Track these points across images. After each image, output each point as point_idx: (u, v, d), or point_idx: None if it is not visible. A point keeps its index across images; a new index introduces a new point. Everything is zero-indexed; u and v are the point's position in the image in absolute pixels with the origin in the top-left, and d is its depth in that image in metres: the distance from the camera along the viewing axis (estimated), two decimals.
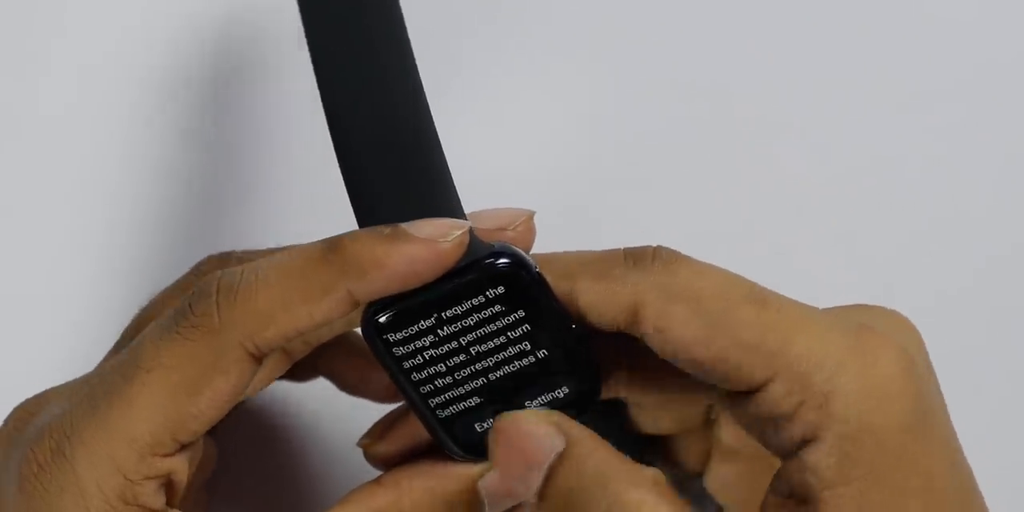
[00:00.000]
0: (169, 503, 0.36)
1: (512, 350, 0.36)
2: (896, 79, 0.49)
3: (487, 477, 0.37)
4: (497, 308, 0.36)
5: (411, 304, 0.35)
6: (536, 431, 0.36)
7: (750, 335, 0.34)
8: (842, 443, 0.33)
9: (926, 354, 0.36)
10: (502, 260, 0.35)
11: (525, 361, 0.36)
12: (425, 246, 0.34)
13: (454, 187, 0.36)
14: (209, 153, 0.47)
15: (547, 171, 0.48)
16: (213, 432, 0.43)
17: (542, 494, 0.35)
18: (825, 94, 0.49)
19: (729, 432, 0.40)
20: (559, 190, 0.48)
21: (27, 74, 0.47)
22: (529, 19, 0.48)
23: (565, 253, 0.37)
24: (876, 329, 0.34)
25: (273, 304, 0.34)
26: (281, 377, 0.44)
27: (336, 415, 0.47)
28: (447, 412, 0.36)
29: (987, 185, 0.49)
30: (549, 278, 0.36)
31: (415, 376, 0.36)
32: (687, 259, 0.35)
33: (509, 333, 0.36)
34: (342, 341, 0.42)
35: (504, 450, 0.36)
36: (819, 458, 0.33)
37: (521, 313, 0.36)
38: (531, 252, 0.37)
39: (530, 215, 0.38)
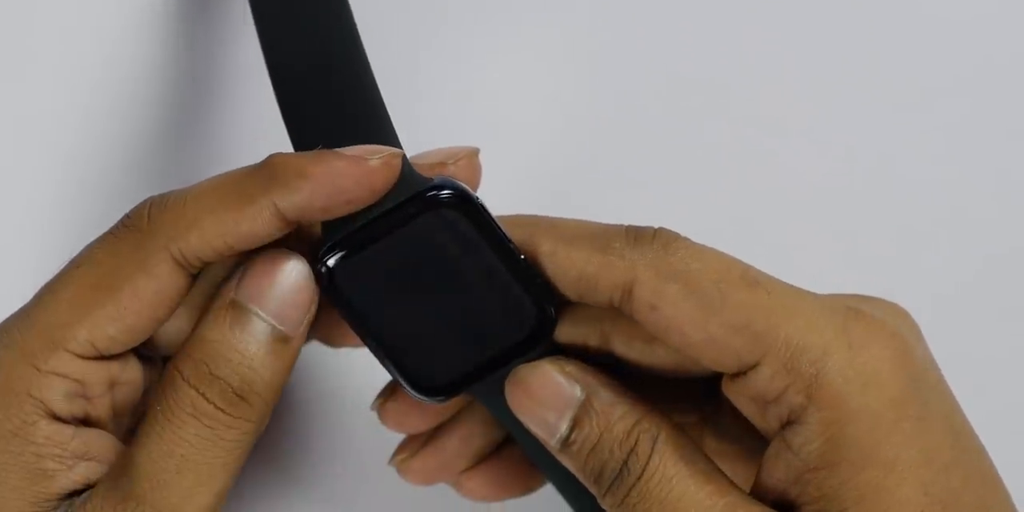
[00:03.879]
0: (88, 424, 0.36)
1: (462, 283, 0.36)
2: (896, 76, 0.49)
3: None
4: (441, 241, 0.36)
5: (353, 241, 0.36)
6: (554, 380, 0.36)
7: (740, 317, 0.34)
8: (827, 428, 0.33)
9: (924, 342, 0.36)
10: (444, 192, 0.36)
11: (476, 294, 0.36)
12: (351, 161, 0.35)
13: (390, 124, 0.37)
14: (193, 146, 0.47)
15: (545, 170, 0.48)
16: None
17: (567, 443, 0.36)
18: (824, 92, 0.49)
19: (717, 434, 0.40)
20: (556, 188, 0.48)
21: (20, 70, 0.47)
22: (525, 14, 0.49)
23: (570, 220, 0.37)
24: (868, 313, 0.35)
25: (199, 211, 0.35)
26: None
27: (332, 390, 0.47)
28: (407, 356, 0.37)
29: (988, 184, 0.49)
30: (548, 244, 0.36)
31: (369, 317, 0.36)
32: (686, 241, 0.36)
33: (457, 267, 0.36)
34: None
35: (523, 402, 0.36)
36: (803, 442, 0.34)
37: (468, 244, 0.36)
38: (533, 214, 0.37)
39: (472, 151, 0.39)
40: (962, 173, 0.49)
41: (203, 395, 0.35)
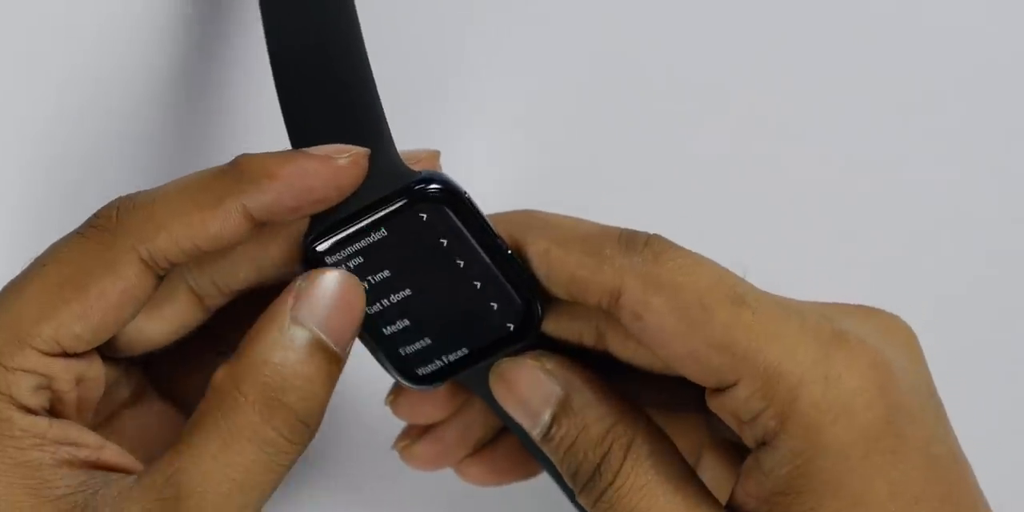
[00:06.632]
0: (56, 415, 0.36)
1: (449, 276, 0.36)
2: (897, 79, 0.49)
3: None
4: (430, 233, 0.36)
5: (343, 232, 0.36)
6: (535, 376, 0.37)
7: (721, 336, 0.34)
8: (796, 457, 0.34)
9: (916, 359, 0.35)
10: (431, 185, 0.36)
11: (463, 287, 0.37)
12: (319, 160, 0.35)
13: (384, 121, 0.37)
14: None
15: (544, 171, 0.48)
16: None
17: (547, 437, 0.36)
18: (825, 94, 0.49)
19: (716, 429, 0.40)
20: (556, 190, 0.48)
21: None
22: (524, 15, 0.48)
23: (565, 218, 0.37)
24: (853, 338, 0.34)
25: (168, 212, 0.35)
26: None
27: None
28: (395, 345, 0.37)
29: (992, 186, 0.49)
30: (543, 243, 0.36)
31: None
32: (677, 250, 0.35)
33: (444, 260, 0.36)
34: None
35: (505, 396, 0.37)
36: (773, 465, 0.34)
37: (455, 237, 0.36)
38: (529, 210, 0.37)
39: (433, 153, 0.39)
40: (965, 176, 0.49)
41: (269, 422, 0.34)
